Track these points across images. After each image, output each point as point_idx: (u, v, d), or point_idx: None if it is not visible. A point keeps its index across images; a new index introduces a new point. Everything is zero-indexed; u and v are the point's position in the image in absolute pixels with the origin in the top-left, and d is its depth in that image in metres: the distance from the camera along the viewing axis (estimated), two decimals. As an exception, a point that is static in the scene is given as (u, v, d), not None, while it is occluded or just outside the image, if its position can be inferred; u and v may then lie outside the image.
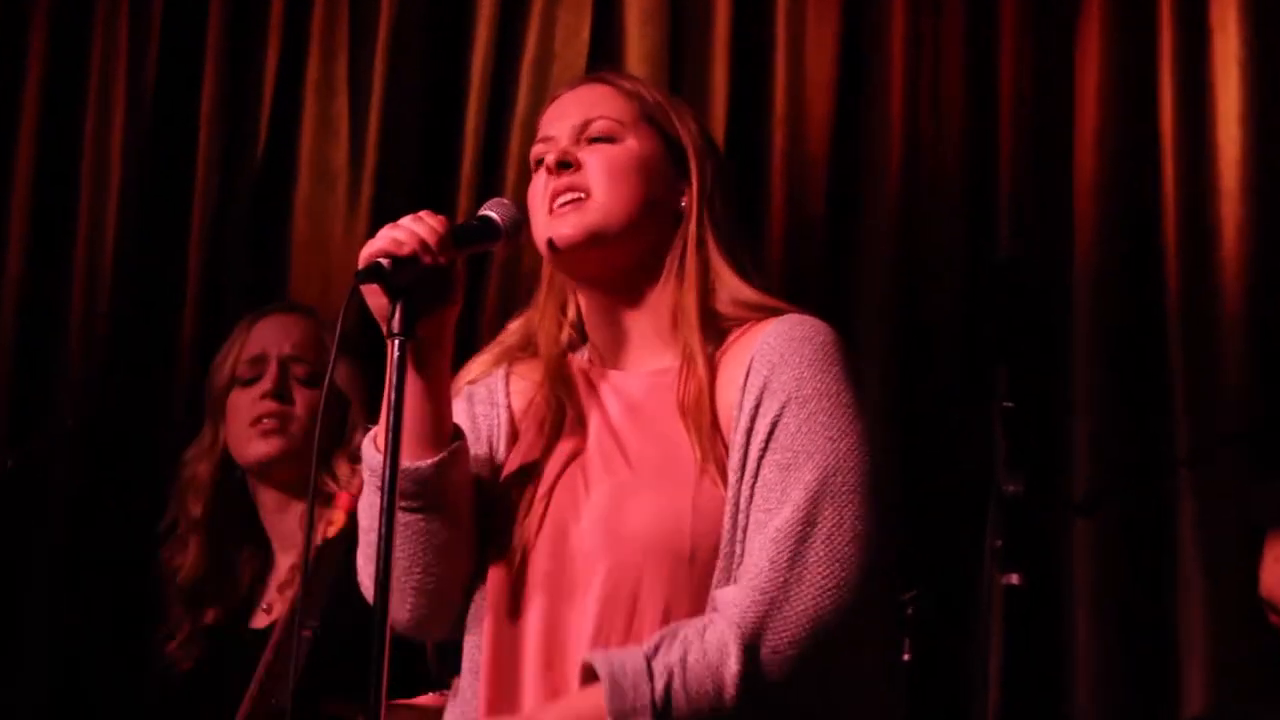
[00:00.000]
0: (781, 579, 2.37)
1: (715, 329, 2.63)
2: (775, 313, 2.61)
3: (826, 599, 2.37)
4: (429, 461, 2.52)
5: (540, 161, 2.69)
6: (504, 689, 2.53)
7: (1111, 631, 4.32)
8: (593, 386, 2.67)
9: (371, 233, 4.85)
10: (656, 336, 2.66)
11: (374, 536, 2.45)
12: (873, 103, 4.73)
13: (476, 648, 2.58)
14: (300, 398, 3.64)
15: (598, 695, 2.37)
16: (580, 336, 2.75)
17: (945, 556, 4.02)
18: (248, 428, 3.64)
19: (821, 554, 2.38)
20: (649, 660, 2.37)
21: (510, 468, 2.65)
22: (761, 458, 2.45)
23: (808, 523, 2.39)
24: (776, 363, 2.51)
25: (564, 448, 2.62)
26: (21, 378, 5.04)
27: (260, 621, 3.65)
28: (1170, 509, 4.31)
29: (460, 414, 2.67)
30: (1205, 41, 4.51)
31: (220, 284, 5.06)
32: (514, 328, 2.77)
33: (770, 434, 2.46)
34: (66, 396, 5.00)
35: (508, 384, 2.72)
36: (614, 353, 2.69)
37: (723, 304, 2.63)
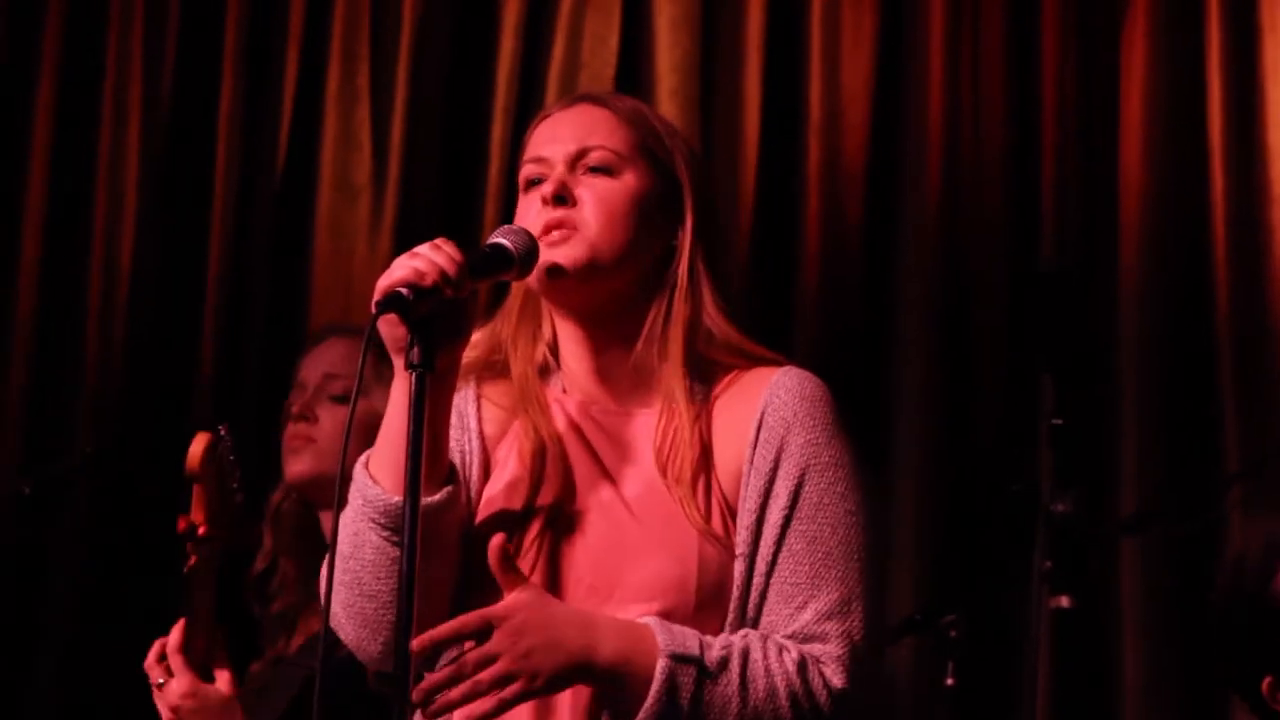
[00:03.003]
0: (837, 654, 2.44)
1: (701, 371, 2.59)
2: (761, 360, 2.59)
3: (868, 670, 2.47)
4: (429, 500, 2.44)
5: (532, 182, 2.62)
6: None
7: (1162, 655, 4.27)
8: (573, 422, 2.60)
9: (395, 248, 4.87)
10: (641, 375, 2.59)
11: (354, 564, 2.47)
12: (911, 110, 4.69)
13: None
14: (326, 414, 3.67)
15: (650, 629, 2.40)
16: (555, 361, 2.67)
17: (991, 578, 3.96)
18: (285, 452, 3.69)
19: (862, 633, 2.45)
20: (698, 633, 2.41)
21: (492, 504, 2.57)
22: (785, 525, 2.48)
23: (845, 601, 2.45)
24: (791, 422, 2.52)
25: (551, 487, 2.56)
26: (39, 401, 5.02)
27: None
28: (1221, 527, 4.23)
29: None
30: (1255, 42, 4.47)
31: (240, 302, 5.03)
32: (478, 339, 2.65)
33: (793, 502, 2.49)
34: (85, 420, 4.97)
35: (479, 408, 2.64)
36: (596, 388, 2.62)
37: (711, 346, 2.59)
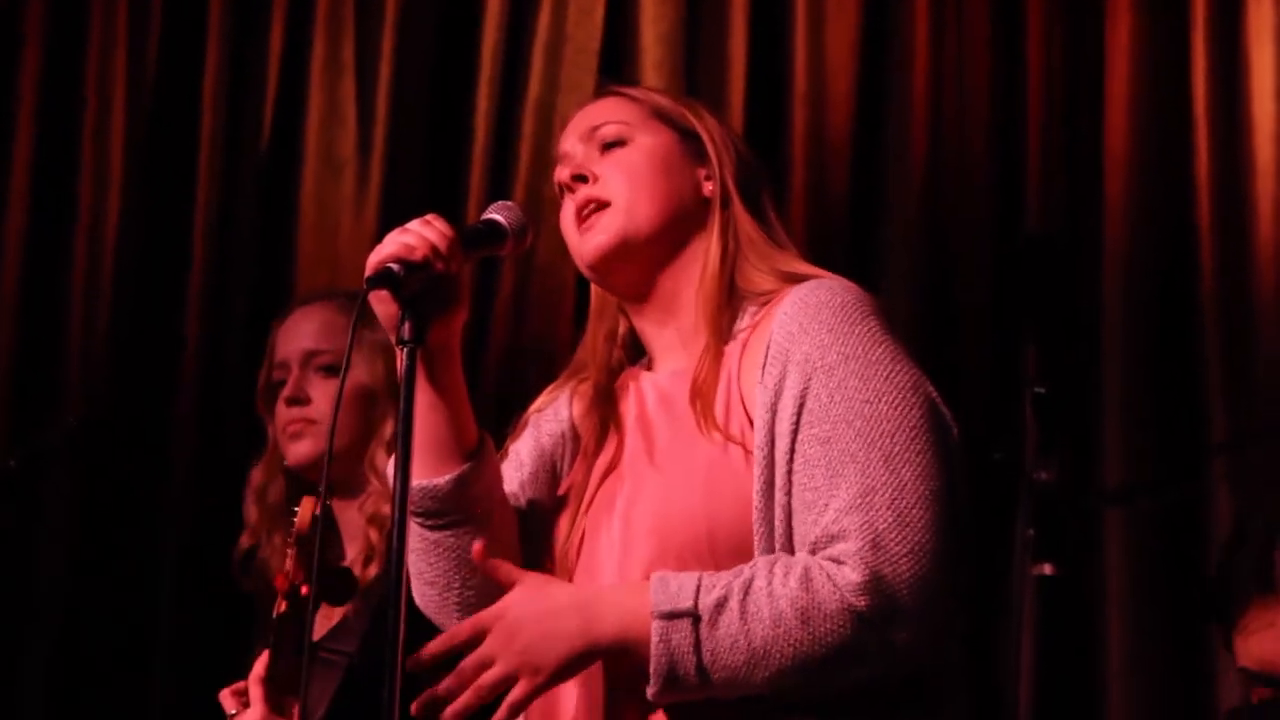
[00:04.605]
0: (856, 548, 2.31)
1: (746, 309, 2.58)
2: (800, 280, 2.55)
3: (903, 565, 2.31)
4: (447, 478, 2.50)
5: (562, 185, 2.67)
6: (547, 703, 2.48)
7: (1146, 622, 4.28)
8: (637, 390, 2.64)
9: (381, 221, 4.87)
10: (697, 321, 2.61)
11: (413, 557, 2.52)
12: (896, 79, 4.69)
13: None
14: (318, 392, 3.63)
15: (647, 591, 2.34)
16: (633, 354, 2.73)
17: (975, 546, 3.96)
18: (281, 435, 3.67)
19: (890, 520, 2.32)
20: (700, 577, 2.33)
21: (560, 491, 2.64)
22: (795, 434, 2.39)
23: (867, 492, 2.33)
24: (795, 332, 2.44)
25: (603, 461, 2.60)
26: (23, 375, 5.01)
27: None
28: (1204, 496, 4.24)
29: (527, 439, 2.69)
30: (1239, 12, 4.45)
31: (225, 276, 5.02)
32: (579, 354, 2.75)
33: (800, 408, 2.39)
34: (69, 393, 4.96)
35: (571, 404, 2.70)
36: (660, 351, 2.67)
37: (761, 278, 2.58)
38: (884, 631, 2.31)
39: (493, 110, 4.90)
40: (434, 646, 2.33)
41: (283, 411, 3.65)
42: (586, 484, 2.58)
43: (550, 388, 2.73)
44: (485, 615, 2.34)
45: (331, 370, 3.62)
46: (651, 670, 2.31)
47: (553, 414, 2.70)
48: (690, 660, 2.30)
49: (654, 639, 2.30)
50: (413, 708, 2.30)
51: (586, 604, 2.35)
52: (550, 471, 2.66)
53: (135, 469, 4.82)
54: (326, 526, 3.64)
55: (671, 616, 2.31)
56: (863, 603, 2.29)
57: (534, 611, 2.33)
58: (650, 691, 2.32)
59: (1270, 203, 4.34)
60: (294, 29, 5.09)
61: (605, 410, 2.63)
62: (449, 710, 2.31)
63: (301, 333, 3.68)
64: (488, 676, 2.31)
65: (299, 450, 3.61)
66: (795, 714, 2.36)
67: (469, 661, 2.32)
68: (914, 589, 2.31)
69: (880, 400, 2.39)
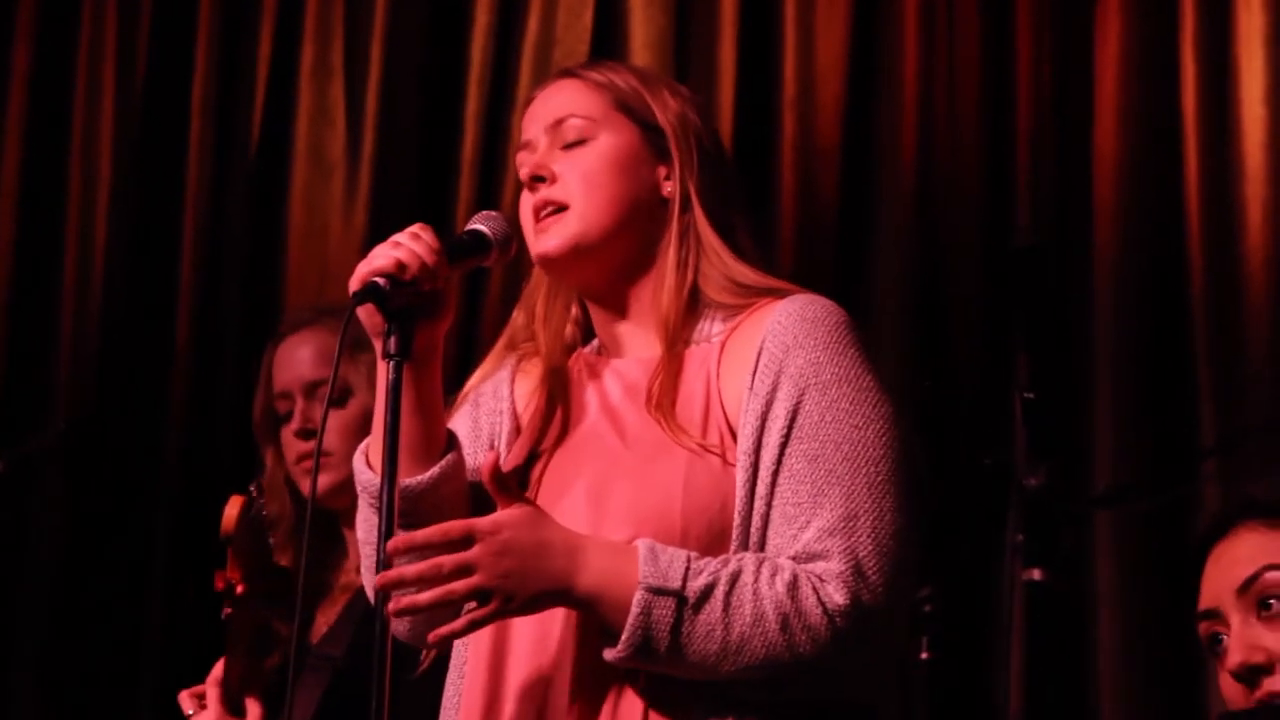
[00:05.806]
0: (839, 570, 2.35)
1: (713, 315, 2.59)
2: (781, 294, 2.57)
3: (879, 594, 2.36)
4: (420, 480, 2.49)
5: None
6: (490, 683, 2.48)
7: (1136, 626, 4.27)
8: (596, 376, 2.64)
9: (370, 223, 4.86)
10: (655, 324, 2.61)
11: (369, 549, 2.49)
12: (886, 85, 4.68)
13: (463, 644, 2.55)
14: (328, 423, 3.60)
15: (637, 557, 2.35)
16: (586, 333, 2.73)
17: (965, 552, 3.96)
18: (294, 467, 3.68)
19: (870, 548, 2.36)
20: (689, 557, 2.35)
21: (508, 464, 2.61)
22: (785, 445, 2.42)
23: (850, 517, 2.37)
24: (790, 345, 2.46)
25: (553, 440, 2.60)
26: (12, 379, 5.01)
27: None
28: (1194, 501, 4.23)
29: (465, 418, 2.67)
30: (1229, 18, 4.44)
31: (215, 278, 5.02)
32: (517, 316, 2.73)
33: (791, 421, 2.42)
34: (59, 396, 4.97)
35: (513, 383, 2.70)
36: (617, 344, 2.66)
37: (719, 288, 2.59)
38: (853, 653, 2.36)
39: (482, 113, 4.90)
40: (421, 536, 2.32)
41: (294, 444, 3.66)
42: (533, 462, 2.58)
43: (487, 361, 2.72)
44: (481, 523, 2.33)
45: (336, 400, 3.60)
46: (624, 637, 2.32)
47: (492, 391, 2.68)
48: (665, 638, 2.32)
49: (634, 609, 2.32)
50: (378, 580, 2.30)
51: (576, 549, 2.35)
52: (489, 449, 2.62)
53: (126, 471, 4.82)
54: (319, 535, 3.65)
55: (658, 592, 2.32)
56: (844, 624, 2.33)
57: (527, 540, 2.33)
58: (614, 654, 2.34)
59: (1259, 207, 4.34)
60: (283, 32, 5.09)
61: (555, 388, 2.63)
62: (410, 600, 2.30)
63: (299, 360, 3.69)
64: (462, 584, 2.30)
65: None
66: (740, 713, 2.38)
67: (450, 560, 2.30)
68: (883, 618, 2.36)
69: (868, 427, 2.42)
